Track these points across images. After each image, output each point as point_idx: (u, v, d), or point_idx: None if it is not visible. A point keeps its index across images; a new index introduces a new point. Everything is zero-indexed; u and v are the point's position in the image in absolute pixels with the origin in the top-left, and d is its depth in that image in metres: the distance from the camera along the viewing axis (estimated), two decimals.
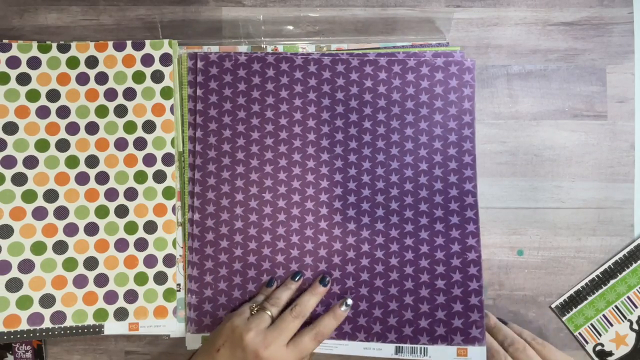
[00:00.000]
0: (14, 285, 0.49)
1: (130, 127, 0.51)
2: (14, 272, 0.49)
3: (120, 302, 0.50)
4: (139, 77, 0.51)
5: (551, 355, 0.46)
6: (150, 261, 0.50)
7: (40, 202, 0.50)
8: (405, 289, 0.49)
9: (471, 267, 0.49)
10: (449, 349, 0.48)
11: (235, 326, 0.45)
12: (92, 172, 0.51)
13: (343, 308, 0.48)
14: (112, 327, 0.50)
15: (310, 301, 0.48)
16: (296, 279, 0.49)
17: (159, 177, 0.51)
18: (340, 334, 0.49)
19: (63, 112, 0.51)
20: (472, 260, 0.49)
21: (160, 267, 0.51)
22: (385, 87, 0.51)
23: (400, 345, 0.48)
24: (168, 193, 0.51)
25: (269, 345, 0.44)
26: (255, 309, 0.47)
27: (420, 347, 0.48)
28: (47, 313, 0.49)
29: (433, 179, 0.50)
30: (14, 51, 0.50)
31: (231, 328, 0.45)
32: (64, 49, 0.51)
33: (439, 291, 0.49)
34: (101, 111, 0.51)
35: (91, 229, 0.50)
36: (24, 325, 0.49)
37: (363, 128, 0.51)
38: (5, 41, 0.51)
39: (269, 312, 0.46)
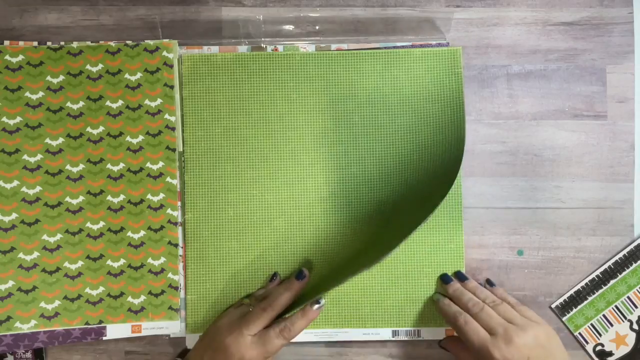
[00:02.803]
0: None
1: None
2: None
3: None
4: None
5: (525, 312, 0.46)
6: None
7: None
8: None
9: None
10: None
11: (217, 317, 0.49)
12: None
13: (315, 307, 0.46)
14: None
15: (282, 295, 0.47)
16: (298, 278, 0.49)
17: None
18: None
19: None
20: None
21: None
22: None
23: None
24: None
25: (233, 333, 0.45)
26: (240, 304, 0.48)
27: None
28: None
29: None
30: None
31: (215, 319, 0.49)
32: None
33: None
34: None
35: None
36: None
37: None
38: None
39: (250, 307, 0.47)
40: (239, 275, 0.51)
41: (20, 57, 0.51)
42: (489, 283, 0.51)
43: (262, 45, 0.53)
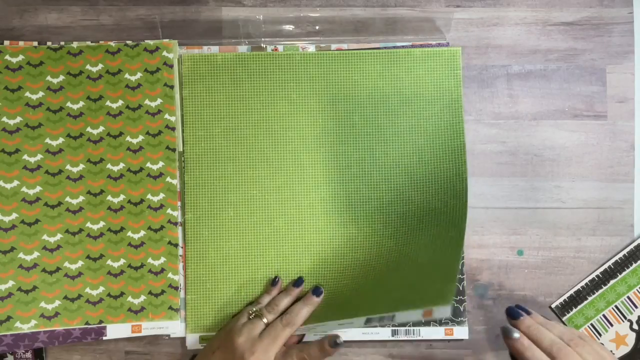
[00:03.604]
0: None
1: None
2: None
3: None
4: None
5: (600, 352, 0.41)
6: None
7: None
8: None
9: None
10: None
11: (229, 330, 0.47)
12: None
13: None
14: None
15: (302, 311, 0.47)
16: (298, 285, 0.50)
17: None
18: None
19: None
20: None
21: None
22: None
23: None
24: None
25: (256, 351, 0.44)
26: (253, 315, 0.47)
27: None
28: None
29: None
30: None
31: (226, 332, 0.47)
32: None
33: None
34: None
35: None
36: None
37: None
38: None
39: (264, 320, 0.47)
40: (239, 275, 0.51)
41: (20, 57, 0.51)
42: (522, 310, 0.45)
43: (262, 45, 0.53)
